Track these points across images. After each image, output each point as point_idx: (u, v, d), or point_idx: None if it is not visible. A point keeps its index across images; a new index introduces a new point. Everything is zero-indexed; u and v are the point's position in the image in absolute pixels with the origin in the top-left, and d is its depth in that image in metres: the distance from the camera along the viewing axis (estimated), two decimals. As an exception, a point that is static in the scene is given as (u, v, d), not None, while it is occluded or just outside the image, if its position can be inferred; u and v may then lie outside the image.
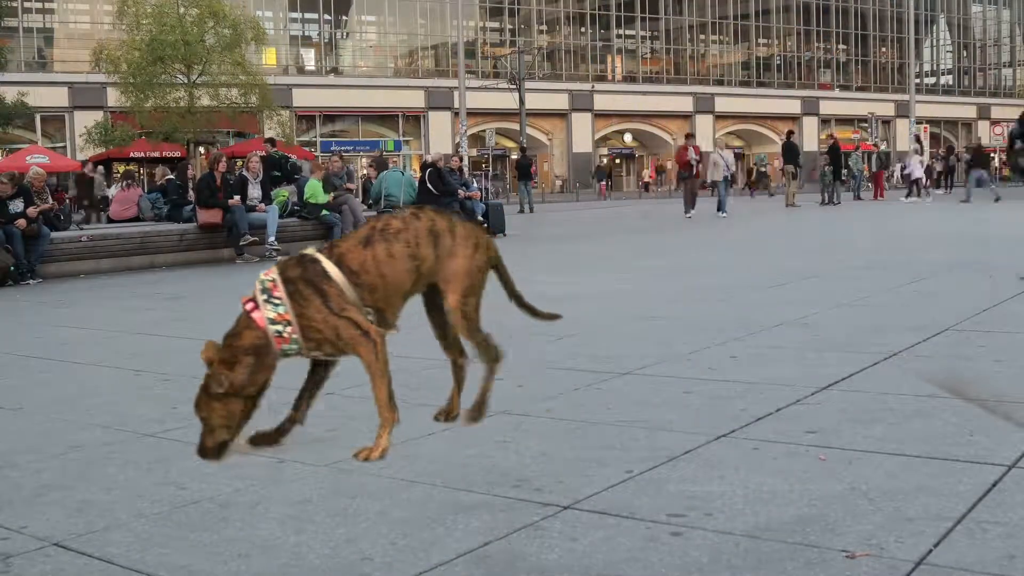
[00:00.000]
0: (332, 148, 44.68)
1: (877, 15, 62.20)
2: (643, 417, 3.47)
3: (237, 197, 12.49)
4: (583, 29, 54.73)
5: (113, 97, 36.84)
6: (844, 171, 28.06)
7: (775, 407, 3.52)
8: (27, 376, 4.94)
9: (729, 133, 58.35)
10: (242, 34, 34.86)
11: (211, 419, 2.67)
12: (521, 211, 26.27)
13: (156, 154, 34.62)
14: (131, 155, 36.00)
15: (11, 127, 36.69)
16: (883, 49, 62.60)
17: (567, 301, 6.99)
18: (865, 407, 3.48)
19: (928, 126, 47.55)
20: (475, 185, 20.50)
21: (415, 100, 48.10)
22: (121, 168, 32.27)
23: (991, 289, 6.41)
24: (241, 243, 12.21)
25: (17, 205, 10.59)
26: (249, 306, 2.77)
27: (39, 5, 43.07)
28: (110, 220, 15.01)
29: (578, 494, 2.64)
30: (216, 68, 34.57)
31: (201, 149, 37.18)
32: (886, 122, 57.19)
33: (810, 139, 53.73)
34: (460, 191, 15.96)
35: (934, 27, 65.13)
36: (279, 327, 2.73)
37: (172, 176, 15.18)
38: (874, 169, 32.75)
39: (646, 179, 52.60)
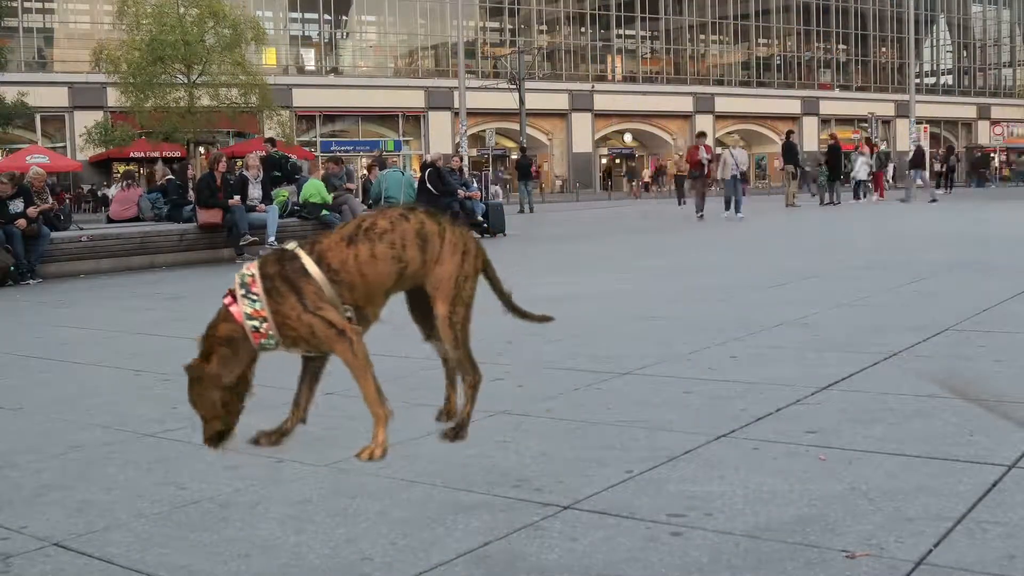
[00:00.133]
0: (332, 148, 44.73)
1: (877, 15, 62.21)
2: (643, 417, 3.47)
3: (237, 197, 12.50)
4: (583, 29, 54.74)
5: (113, 97, 36.86)
6: (846, 170, 27.85)
7: (775, 407, 3.52)
8: (27, 376, 4.94)
9: (729, 133, 58.33)
10: (242, 34, 34.89)
11: (198, 408, 2.74)
12: (521, 211, 26.28)
13: (156, 154, 34.65)
14: (131, 155, 36.05)
15: (11, 127, 36.71)
16: (883, 49, 62.61)
17: (567, 301, 6.99)
18: (865, 407, 3.48)
19: (928, 126, 47.52)
20: (475, 185, 20.50)
21: (415, 100, 48.11)
22: (121, 168, 32.30)
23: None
24: (241, 243, 12.21)
25: (17, 205, 10.59)
26: (227, 300, 2.81)
27: (39, 5, 43.07)
28: (110, 220, 15.01)
29: (578, 494, 2.64)
30: (216, 68, 34.60)
31: (201, 149, 37.19)
32: (886, 122, 57.21)
33: (810, 139, 53.71)
34: (460, 191, 15.96)
35: (934, 27, 65.13)
36: (255, 322, 2.76)
37: (172, 176, 15.18)
38: (874, 169, 32.74)
39: (645, 178, 52.48)
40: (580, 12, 54.17)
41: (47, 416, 3.93)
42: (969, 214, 18.32)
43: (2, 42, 36.49)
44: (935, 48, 65.99)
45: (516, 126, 42.50)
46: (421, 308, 3.12)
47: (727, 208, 19.35)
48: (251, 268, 2.84)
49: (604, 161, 55.36)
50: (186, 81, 34.47)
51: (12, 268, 10.25)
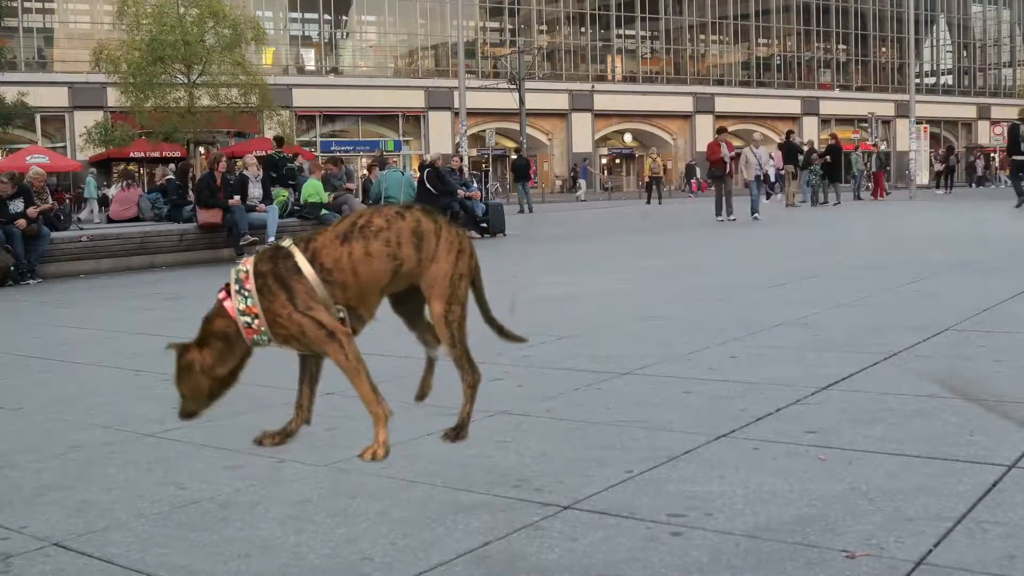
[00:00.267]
0: (332, 148, 44.72)
1: (877, 15, 62.21)
2: (643, 417, 3.47)
3: (237, 197, 12.50)
4: (583, 29, 54.73)
5: (113, 97, 36.85)
6: (850, 170, 27.69)
7: (775, 407, 3.52)
8: (27, 376, 4.93)
9: (729, 133, 58.21)
10: (242, 34, 34.88)
11: (182, 389, 2.90)
12: (520, 211, 26.28)
13: (156, 154, 34.66)
14: (131, 155, 36.04)
15: (11, 127, 36.71)
16: (883, 49, 62.61)
17: (567, 301, 6.99)
18: (865, 407, 3.48)
19: (928, 126, 47.54)
20: (475, 185, 20.49)
21: (415, 100, 48.10)
22: (119, 168, 32.29)
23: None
24: (241, 243, 12.21)
25: (17, 205, 10.60)
26: (222, 295, 2.83)
27: (39, 5, 43.07)
28: (110, 220, 15.01)
29: (578, 494, 2.64)
30: (216, 68, 34.59)
31: (201, 149, 37.19)
32: (886, 122, 57.19)
33: (810, 139, 53.71)
34: (460, 191, 15.97)
35: (934, 27, 65.12)
36: (248, 319, 2.78)
37: (172, 176, 15.18)
38: (874, 169, 32.76)
39: (647, 178, 52.48)
40: (580, 12, 54.16)
41: (47, 416, 3.93)
42: (969, 214, 18.32)
43: (2, 42, 36.50)
44: (935, 48, 65.99)
45: (516, 126, 42.49)
46: (406, 305, 3.11)
47: (752, 213, 18.15)
48: (246, 264, 2.85)
49: (604, 161, 55.36)
50: (186, 81, 34.46)
51: (12, 268, 10.25)
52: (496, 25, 53.62)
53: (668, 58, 57.03)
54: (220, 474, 2.97)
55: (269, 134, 28.52)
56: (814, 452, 2.95)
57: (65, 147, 40.77)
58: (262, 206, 12.97)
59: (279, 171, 14.95)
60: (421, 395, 3.33)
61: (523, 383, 4.12)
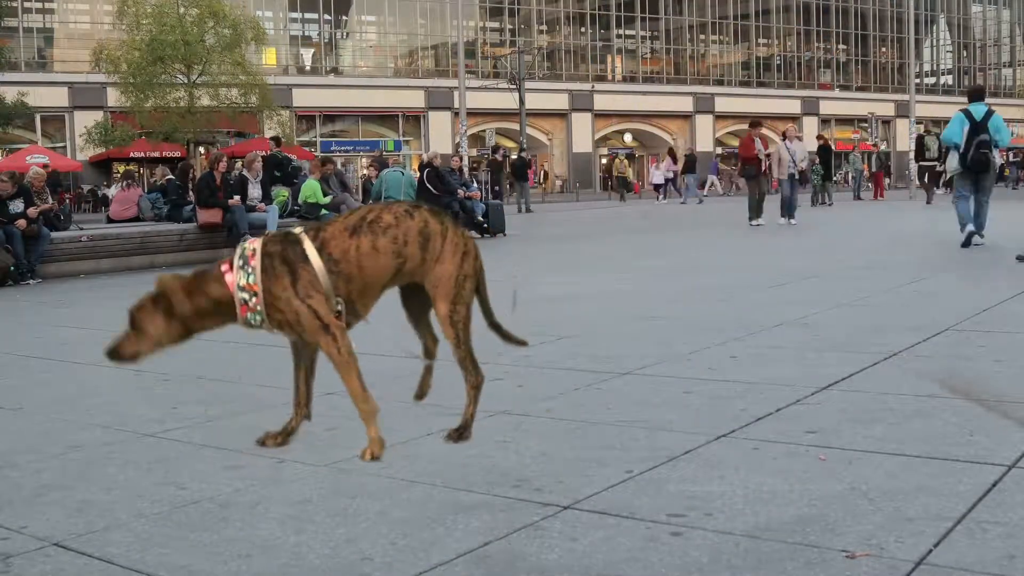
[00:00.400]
0: (332, 148, 44.72)
1: (877, 15, 62.20)
2: (643, 417, 3.47)
3: (237, 197, 12.50)
4: (583, 29, 54.72)
5: (113, 97, 36.85)
6: (838, 172, 27.59)
7: (775, 407, 3.52)
8: (27, 376, 4.93)
9: (729, 133, 58.28)
10: (242, 34, 34.88)
11: (146, 328, 2.83)
12: (520, 211, 26.29)
13: (156, 154, 34.66)
14: (131, 155, 36.04)
15: (11, 127, 36.71)
16: (883, 49, 62.60)
17: (567, 301, 6.99)
18: (865, 407, 3.48)
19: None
20: (475, 185, 20.49)
21: (415, 100, 48.10)
22: (121, 168, 32.30)
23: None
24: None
25: (17, 205, 10.60)
26: (224, 267, 2.82)
27: (39, 5, 43.06)
28: (110, 220, 15.01)
29: (578, 494, 2.64)
30: (216, 68, 34.59)
31: (201, 149, 37.19)
32: (886, 122, 57.18)
33: (810, 139, 53.70)
34: (460, 191, 15.97)
35: (934, 27, 65.11)
36: (246, 295, 2.77)
37: (172, 176, 15.18)
38: (874, 169, 32.77)
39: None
40: (580, 12, 54.15)
41: (47, 416, 3.92)
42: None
43: (2, 42, 36.50)
44: (935, 48, 65.97)
45: (516, 126, 42.48)
46: (415, 303, 3.13)
47: (783, 215, 16.27)
48: (253, 243, 2.84)
49: (604, 161, 55.37)
50: (186, 81, 34.47)
51: (12, 268, 10.25)
52: (496, 25, 53.62)
53: (668, 58, 57.02)
54: (220, 474, 2.97)
55: (269, 134, 28.52)
56: (814, 452, 2.95)
57: (65, 147, 40.76)
58: (262, 206, 12.97)
59: (283, 170, 14.95)
60: (420, 394, 3.35)
61: (523, 383, 4.12)
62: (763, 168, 16.44)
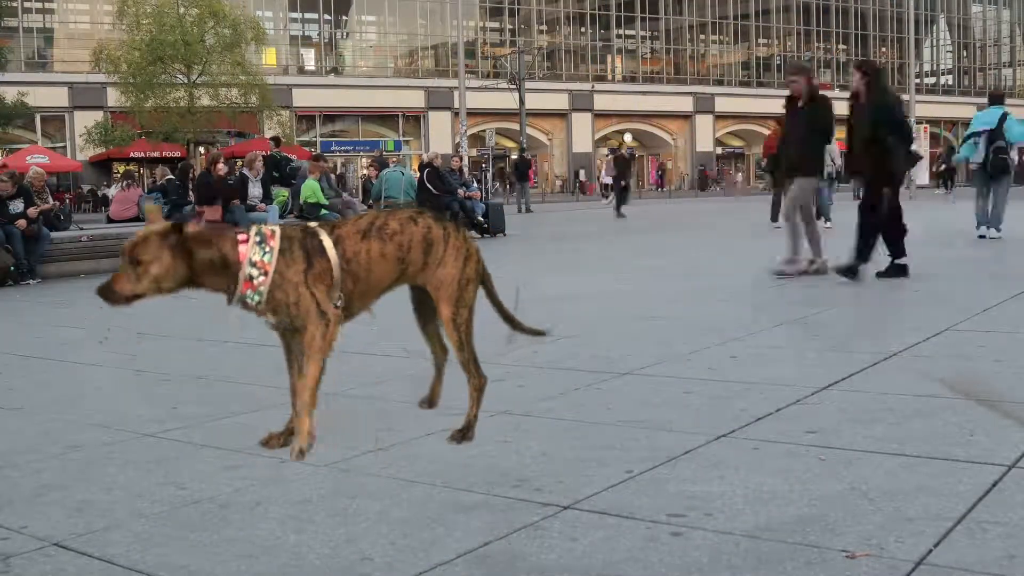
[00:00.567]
0: (332, 148, 44.73)
1: (877, 15, 62.20)
2: (643, 417, 3.47)
3: (236, 201, 12.50)
4: (583, 29, 54.73)
5: (113, 97, 36.86)
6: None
7: (775, 407, 3.52)
8: (27, 376, 4.93)
9: (729, 133, 58.33)
10: (242, 34, 34.88)
11: (148, 265, 2.64)
12: (520, 211, 26.29)
13: (156, 154, 34.66)
14: (131, 155, 36.05)
15: (11, 127, 36.71)
16: (883, 49, 62.59)
17: (567, 301, 6.99)
18: (865, 407, 3.48)
19: (928, 126, 47.51)
20: (475, 185, 20.50)
21: (415, 100, 48.11)
22: (121, 168, 32.31)
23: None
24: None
25: (17, 205, 10.59)
26: (242, 236, 2.77)
27: (39, 5, 43.07)
28: (110, 220, 15.02)
29: (578, 494, 2.64)
30: (216, 68, 34.60)
31: (201, 149, 37.20)
32: (886, 122, 57.03)
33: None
34: (460, 191, 15.99)
35: (934, 27, 65.11)
36: (255, 272, 2.74)
37: (172, 176, 15.19)
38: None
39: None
40: (580, 12, 54.16)
41: (47, 416, 3.92)
42: (969, 213, 18.28)
43: (2, 42, 36.50)
44: (935, 48, 65.97)
45: (516, 126, 42.49)
46: (424, 309, 3.15)
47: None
48: (272, 226, 2.84)
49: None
50: (186, 81, 34.47)
51: (12, 268, 10.25)
52: (496, 25, 53.63)
53: (668, 58, 57.03)
54: (220, 474, 2.97)
55: (269, 134, 28.54)
56: (814, 452, 2.95)
57: (65, 147, 40.77)
58: (262, 206, 12.97)
59: (281, 171, 14.96)
60: (430, 403, 3.34)
61: (523, 383, 4.12)
62: None
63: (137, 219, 14.22)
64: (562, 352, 4.83)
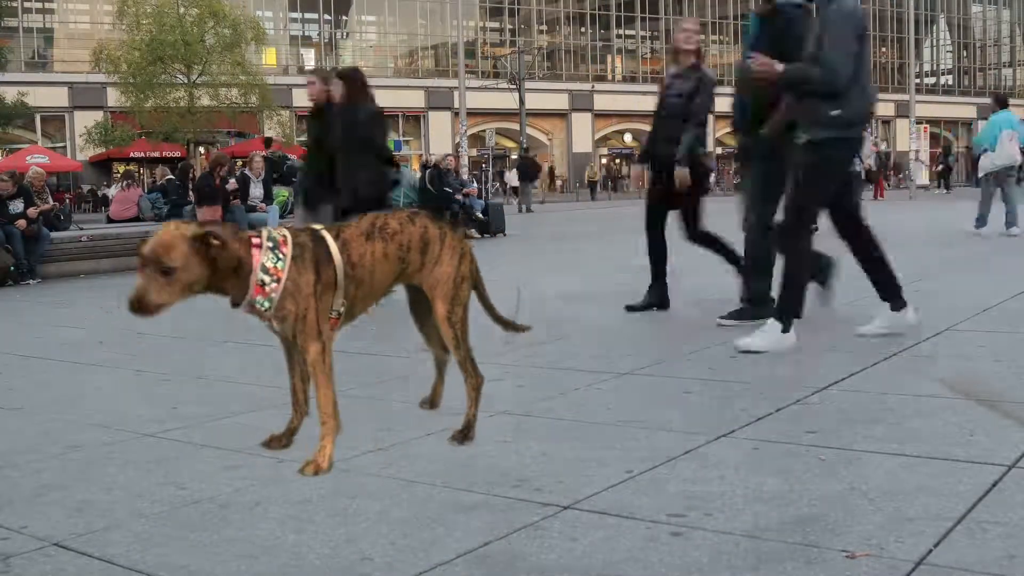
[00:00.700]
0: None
1: (877, 15, 62.14)
2: (643, 417, 3.47)
3: (232, 181, 12.50)
4: (583, 29, 54.74)
5: (113, 97, 36.87)
6: None
7: (775, 407, 3.52)
8: (27, 376, 4.93)
9: (729, 133, 58.18)
10: (242, 34, 34.89)
11: (178, 272, 2.56)
12: (520, 211, 26.30)
13: (156, 154, 34.67)
14: (131, 155, 36.06)
15: (11, 127, 36.72)
16: (883, 49, 62.58)
17: (567, 301, 6.99)
18: (865, 407, 3.48)
19: (928, 126, 47.53)
20: (473, 183, 20.50)
21: (415, 100, 48.10)
22: (121, 168, 32.32)
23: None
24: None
25: (17, 205, 10.60)
26: (256, 241, 2.71)
27: (39, 5, 43.06)
28: (110, 220, 15.03)
29: (578, 494, 2.64)
30: (216, 68, 34.61)
31: (201, 149, 37.20)
32: (886, 122, 57.20)
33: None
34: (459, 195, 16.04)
35: (934, 27, 65.11)
36: (267, 278, 2.69)
37: (172, 176, 15.20)
38: (874, 169, 32.80)
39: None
40: (580, 12, 54.17)
41: (47, 416, 3.92)
42: (969, 213, 18.28)
43: (2, 42, 36.51)
44: (935, 48, 65.98)
45: (516, 126, 42.51)
46: (421, 309, 3.16)
47: None
48: (281, 230, 2.81)
49: (604, 161, 55.37)
50: (186, 81, 34.48)
51: (12, 268, 10.25)
52: (496, 25, 53.63)
53: (668, 58, 56.95)
54: (220, 474, 2.97)
55: (269, 134, 28.54)
56: (814, 452, 2.95)
57: (65, 147, 40.77)
58: (263, 206, 12.97)
59: (279, 170, 14.96)
60: (431, 404, 3.34)
61: (523, 383, 4.12)
62: None
63: (137, 219, 14.23)
64: (562, 352, 4.83)
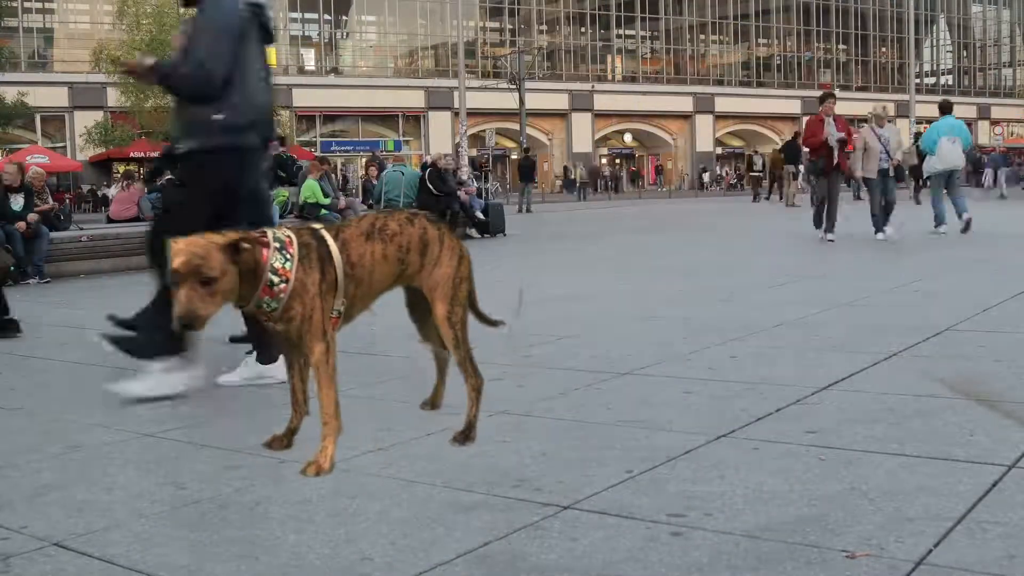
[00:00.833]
0: (332, 148, 44.70)
1: (877, 15, 62.21)
2: (643, 417, 3.47)
3: None
4: (583, 29, 54.75)
5: (113, 97, 36.87)
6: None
7: (775, 407, 3.52)
8: (27, 376, 4.93)
9: (729, 133, 58.32)
10: (242, 34, 34.85)
11: (219, 281, 2.52)
12: (520, 211, 26.30)
13: (156, 154, 34.61)
14: (131, 155, 36.05)
15: (11, 127, 36.72)
16: (883, 49, 62.62)
17: (567, 301, 6.99)
18: (865, 407, 3.48)
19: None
20: (472, 183, 20.49)
21: (415, 100, 48.12)
22: (121, 168, 32.30)
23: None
24: (241, 243, 12.19)
25: (18, 200, 10.61)
26: (264, 240, 2.68)
27: (39, 5, 43.08)
28: (110, 220, 15.03)
29: (578, 494, 2.64)
30: (216, 68, 34.56)
31: (201, 149, 37.12)
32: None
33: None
34: (461, 190, 16.05)
35: (934, 27, 65.13)
36: (275, 278, 2.67)
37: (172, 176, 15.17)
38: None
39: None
40: (580, 12, 54.18)
41: (47, 416, 3.92)
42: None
43: (2, 42, 36.52)
44: (935, 48, 65.99)
45: (516, 126, 42.52)
46: (420, 311, 3.17)
47: (877, 229, 11.87)
48: (285, 230, 2.80)
49: (604, 161, 55.39)
50: (186, 81, 34.45)
51: (12, 268, 10.25)
52: (496, 25, 53.64)
53: (668, 58, 57.05)
54: (220, 474, 2.97)
55: (270, 134, 28.51)
56: (814, 452, 2.95)
57: (65, 147, 40.77)
58: (262, 206, 12.96)
59: (287, 170, 14.97)
60: (432, 405, 3.36)
61: (523, 383, 4.12)
62: (837, 160, 11.88)
63: (137, 219, 14.23)
64: (562, 352, 4.83)
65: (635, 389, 3.98)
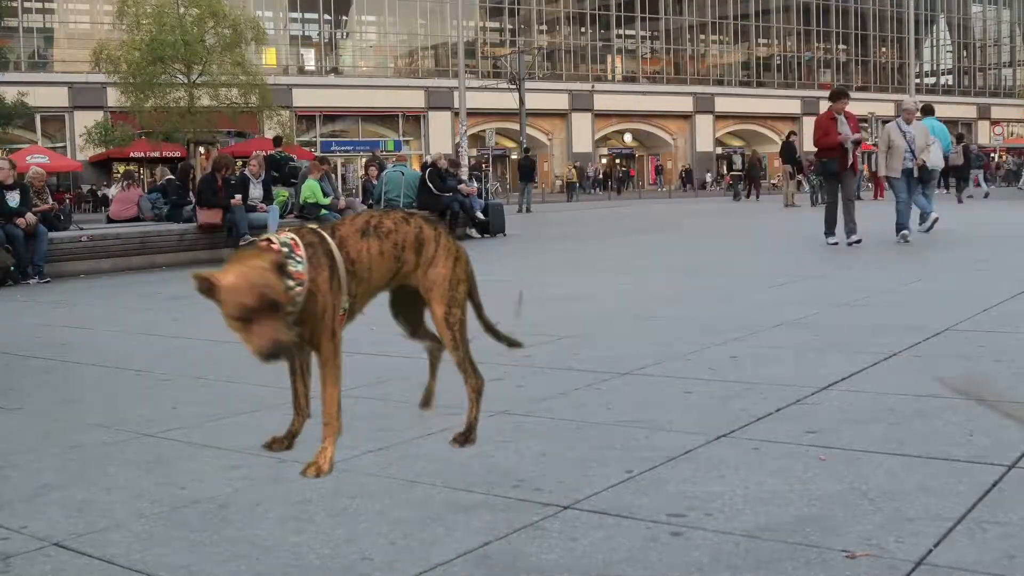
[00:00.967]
0: (332, 148, 44.72)
1: (877, 15, 62.21)
2: (643, 417, 3.47)
3: (238, 196, 12.49)
4: (583, 29, 54.75)
5: (113, 97, 36.90)
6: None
7: (775, 407, 3.52)
8: (27, 376, 4.93)
9: (729, 133, 58.33)
10: (242, 34, 34.91)
11: (285, 306, 2.49)
12: (520, 211, 26.30)
13: (156, 154, 34.69)
14: (131, 155, 36.08)
15: (11, 127, 36.74)
16: (883, 49, 62.62)
17: (567, 301, 6.99)
18: (865, 407, 3.48)
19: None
20: (473, 183, 20.47)
21: (415, 100, 48.13)
22: (121, 168, 32.33)
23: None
24: (241, 243, 12.20)
25: (14, 197, 10.59)
26: (275, 245, 2.67)
27: (39, 5, 43.09)
28: (110, 220, 15.02)
29: (578, 494, 2.64)
30: (216, 68, 34.63)
31: (201, 149, 37.20)
32: (886, 122, 57.05)
33: (810, 140, 53.70)
34: (462, 187, 16.07)
35: (934, 27, 65.14)
36: (292, 282, 2.65)
37: (172, 176, 15.19)
38: (874, 169, 32.80)
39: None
40: (580, 12, 54.18)
41: (47, 416, 3.92)
42: (968, 214, 18.32)
43: (2, 42, 36.54)
44: (935, 48, 66.00)
45: (516, 126, 42.52)
46: (404, 306, 3.14)
47: (899, 232, 11.06)
48: (288, 233, 2.78)
49: (604, 161, 55.39)
50: (186, 81, 34.49)
51: (12, 268, 10.25)
52: (496, 25, 53.65)
53: (668, 58, 57.06)
54: (220, 474, 2.97)
55: (269, 134, 28.57)
56: (814, 452, 2.95)
57: (65, 147, 40.78)
58: (263, 206, 12.96)
59: (281, 171, 14.96)
60: (425, 404, 3.33)
61: (523, 383, 4.12)
62: (850, 160, 11.09)
63: (137, 219, 14.22)
64: (562, 352, 4.83)
65: (635, 389, 3.98)
